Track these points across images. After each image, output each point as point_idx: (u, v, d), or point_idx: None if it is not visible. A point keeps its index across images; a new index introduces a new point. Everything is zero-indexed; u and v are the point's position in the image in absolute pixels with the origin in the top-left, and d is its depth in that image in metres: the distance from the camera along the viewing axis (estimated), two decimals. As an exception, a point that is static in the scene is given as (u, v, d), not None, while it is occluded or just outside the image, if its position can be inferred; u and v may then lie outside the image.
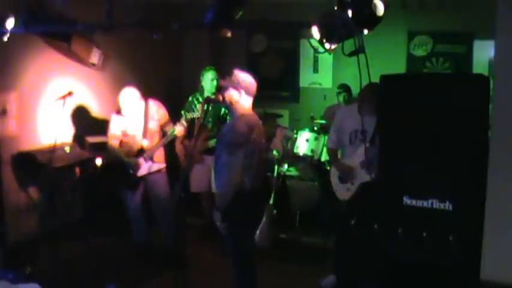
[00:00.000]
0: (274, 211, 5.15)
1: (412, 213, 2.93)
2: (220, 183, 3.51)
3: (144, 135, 4.73)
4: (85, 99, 5.62)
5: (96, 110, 5.77)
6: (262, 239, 4.71)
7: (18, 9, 3.65)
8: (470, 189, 2.81)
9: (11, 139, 4.80)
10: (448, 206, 2.84)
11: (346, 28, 2.68)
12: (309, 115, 6.27)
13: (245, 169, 3.39)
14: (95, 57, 4.85)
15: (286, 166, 5.76)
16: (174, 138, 4.93)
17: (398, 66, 6.43)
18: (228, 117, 5.03)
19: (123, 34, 4.79)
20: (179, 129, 4.71)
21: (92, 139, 5.26)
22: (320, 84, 7.12)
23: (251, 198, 3.48)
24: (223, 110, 5.05)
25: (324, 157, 5.39)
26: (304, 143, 5.57)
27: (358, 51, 2.64)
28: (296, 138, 5.63)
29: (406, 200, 2.95)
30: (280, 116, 6.28)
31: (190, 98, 5.27)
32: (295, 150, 5.61)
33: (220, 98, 3.55)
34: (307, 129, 5.70)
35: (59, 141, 4.64)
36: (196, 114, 4.85)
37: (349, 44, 2.75)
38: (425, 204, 2.89)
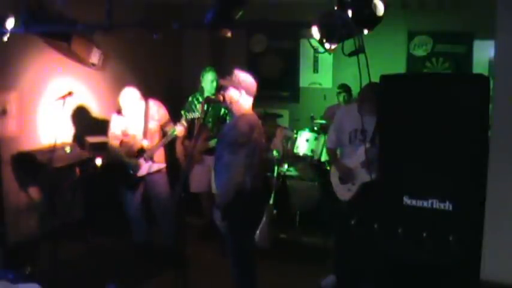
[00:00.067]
0: (274, 211, 5.15)
1: (412, 213, 2.93)
2: (221, 182, 3.51)
3: (145, 135, 4.73)
4: (85, 99, 5.62)
5: (96, 110, 5.77)
6: (262, 239, 4.71)
7: (18, 9, 3.65)
8: (470, 189, 2.81)
9: (11, 139, 4.80)
10: (448, 206, 2.84)
11: (346, 28, 2.68)
12: (309, 115, 6.27)
13: (246, 169, 3.40)
14: (95, 57, 4.86)
15: (286, 166, 5.76)
16: (175, 138, 4.93)
17: (398, 66, 6.43)
18: (228, 117, 5.03)
19: (123, 34, 4.79)
20: (179, 129, 4.71)
21: (92, 139, 5.26)
22: (320, 84, 7.12)
23: (251, 198, 3.48)
24: (223, 110, 5.05)
25: (324, 157, 5.40)
26: (304, 143, 5.57)
27: (358, 51, 2.64)
28: (296, 138, 5.63)
29: (406, 200, 2.95)
30: (280, 116, 6.28)
31: (190, 98, 5.27)
32: (295, 150, 5.61)
33: (221, 98, 3.56)
34: (307, 129, 5.71)
35: (59, 141, 4.64)
36: (197, 114, 4.85)
37: (349, 44, 2.74)
38: (425, 204, 2.89)
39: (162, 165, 4.84)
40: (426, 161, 2.92)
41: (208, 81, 5.12)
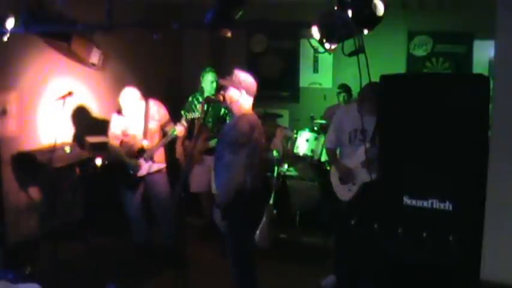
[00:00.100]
0: (274, 211, 5.15)
1: (412, 213, 2.93)
2: (221, 182, 3.51)
3: (145, 135, 4.72)
4: (85, 99, 5.62)
5: (96, 110, 5.77)
6: (262, 239, 4.71)
7: (18, 9, 3.65)
8: (470, 189, 2.81)
9: (11, 139, 4.80)
10: (448, 206, 2.84)
11: (346, 28, 2.68)
12: (309, 115, 6.28)
13: (247, 169, 3.40)
14: (95, 57, 4.85)
15: (286, 166, 5.76)
16: (175, 139, 4.93)
17: (398, 66, 6.43)
18: (227, 117, 5.03)
19: (123, 34, 4.79)
20: (179, 129, 4.71)
21: (92, 139, 5.26)
22: (320, 84, 7.13)
23: (251, 198, 3.48)
24: (223, 110, 5.05)
25: (324, 157, 5.39)
26: (304, 143, 5.57)
27: (358, 51, 2.64)
28: (296, 138, 5.63)
29: (406, 200, 2.95)
30: (280, 116, 6.28)
31: (190, 98, 5.27)
32: (295, 150, 5.61)
33: (221, 98, 3.56)
34: (307, 129, 5.71)
35: (59, 141, 4.64)
36: (197, 114, 4.85)
37: (349, 44, 2.74)
38: (425, 204, 2.89)
39: (162, 165, 4.84)
40: (426, 161, 2.92)
41: (208, 81, 5.12)
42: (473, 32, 6.16)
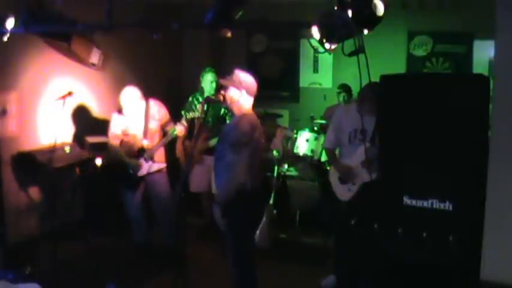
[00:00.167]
0: (274, 211, 5.14)
1: (412, 213, 2.93)
2: (221, 182, 3.50)
3: (145, 135, 4.73)
4: (85, 99, 5.62)
5: (96, 110, 5.77)
6: (262, 239, 4.71)
7: (18, 9, 3.65)
8: (470, 189, 2.81)
9: (11, 139, 4.80)
10: (448, 206, 2.84)
11: (346, 28, 2.68)
12: (309, 115, 6.28)
13: (248, 168, 3.40)
14: (95, 57, 4.86)
15: (286, 166, 5.77)
16: (175, 138, 4.93)
17: (398, 66, 6.42)
18: (227, 117, 5.04)
19: (123, 34, 4.79)
20: (180, 129, 4.71)
21: (91, 139, 5.26)
22: (320, 84, 7.12)
23: (251, 198, 3.48)
24: (223, 110, 5.05)
25: (324, 157, 5.39)
26: (304, 143, 5.58)
27: (358, 51, 2.64)
28: (296, 138, 5.63)
29: (406, 200, 2.95)
30: (280, 116, 6.28)
31: (190, 98, 5.28)
32: (295, 150, 5.61)
33: (221, 97, 3.56)
34: (307, 129, 5.71)
35: (59, 141, 4.64)
36: (197, 114, 4.85)
37: (349, 44, 2.74)
38: (425, 204, 2.90)
39: (163, 165, 4.84)
40: (426, 161, 2.92)
41: (207, 81, 5.13)
42: (473, 32, 6.16)
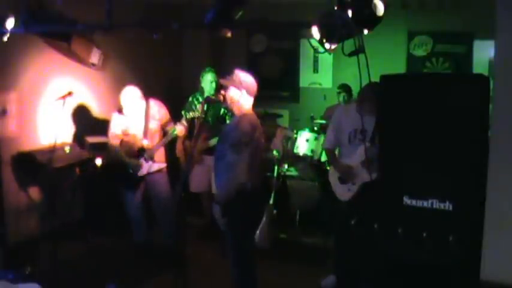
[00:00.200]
0: (274, 211, 5.14)
1: (412, 213, 2.93)
2: (221, 182, 3.50)
3: (145, 135, 4.73)
4: (85, 99, 5.62)
5: (96, 110, 5.77)
6: (262, 239, 4.71)
7: (18, 9, 3.65)
8: (470, 189, 2.81)
9: (11, 139, 4.80)
10: (448, 206, 2.84)
11: (346, 28, 2.68)
12: (309, 115, 6.28)
13: (249, 168, 3.40)
14: (95, 57, 4.86)
15: (286, 166, 5.77)
16: (175, 138, 4.93)
17: (398, 66, 6.42)
18: (227, 117, 5.04)
19: (123, 34, 4.79)
20: (180, 129, 4.71)
21: (91, 139, 5.26)
22: (320, 84, 7.12)
23: (251, 198, 3.48)
24: (222, 110, 5.05)
25: (324, 157, 5.39)
26: (304, 143, 5.57)
27: (358, 51, 2.64)
28: (296, 138, 5.63)
29: (406, 200, 2.95)
30: (280, 116, 6.28)
31: (190, 98, 5.28)
32: (295, 150, 5.61)
33: (221, 97, 3.56)
34: (307, 129, 5.71)
35: (59, 141, 4.64)
36: (197, 114, 4.85)
37: (349, 44, 2.74)
38: (425, 204, 2.90)
39: (163, 165, 4.84)
40: (426, 161, 2.92)
41: (207, 81, 5.13)
42: (473, 32, 6.16)
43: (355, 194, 3.99)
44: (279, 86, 7.24)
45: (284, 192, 5.66)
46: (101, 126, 5.12)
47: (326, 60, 6.96)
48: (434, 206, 2.87)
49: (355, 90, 5.60)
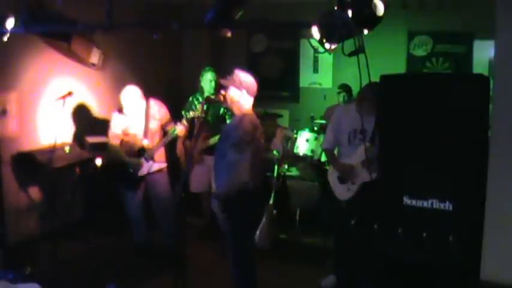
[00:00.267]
0: (274, 211, 5.14)
1: (412, 213, 2.93)
2: (222, 181, 3.49)
3: (145, 134, 4.72)
4: (85, 99, 5.63)
5: (96, 110, 5.77)
6: (262, 239, 4.71)
7: (18, 9, 3.65)
8: (470, 189, 2.81)
9: (11, 139, 4.80)
10: (448, 206, 2.84)
11: (346, 28, 2.68)
12: (309, 115, 6.28)
13: (251, 168, 3.40)
14: (95, 57, 4.86)
15: (286, 166, 5.77)
16: (175, 138, 4.93)
17: (398, 66, 6.42)
18: (227, 117, 5.04)
19: (123, 34, 4.79)
20: (180, 129, 4.71)
21: (92, 139, 5.26)
22: (320, 84, 7.12)
23: (252, 197, 3.48)
24: (222, 109, 5.06)
25: (324, 157, 5.39)
26: (304, 143, 5.57)
27: (358, 51, 2.64)
28: (296, 138, 5.63)
29: (406, 200, 2.95)
30: (280, 116, 6.28)
31: (190, 98, 5.28)
32: (295, 150, 5.61)
33: (221, 97, 3.56)
34: (307, 129, 5.71)
35: (59, 141, 4.64)
36: (197, 113, 4.85)
37: (349, 44, 2.74)
38: (425, 204, 2.89)
39: (163, 165, 4.84)
40: (426, 161, 2.92)
41: (207, 80, 5.13)
42: (473, 32, 6.16)
43: (355, 194, 3.99)
44: (279, 86, 7.23)
45: (284, 192, 5.66)
46: (101, 126, 5.12)
47: (326, 60, 6.96)
48: (434, 206, 2.87)
49: (355, 90, 5.60)
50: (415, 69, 6.44)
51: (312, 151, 5.53)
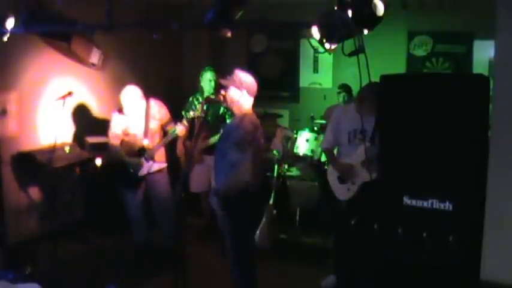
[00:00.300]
0: (274, 211, 5.15)
1: (412, 213, 2.93)
2: (223, 180, 3.48)
3: (145, 134, 4.72)
4: (85, 99, 5.63)
5: (96, 110, 5.77)
6: (262, 239, 4.71)
7: (18, 9, 3.65)
8: (470, 189, 2.81)
9: (11, 139, 4.80)
10: (448, 206, 2.84)
11: (346, 28, 2.68)
12: (309, 115, 6.28)
13: (252, 168, 3.40)
14: (94, 57, 4.85)
15: (286, 166, 5.77)
16: (176, 138, 4.93)
17: (398, 66, 6.42)
18: (227, 117, 5.04)
19: (123, 34, 4.79)
20: (180, 129, 4.71)
21: (91, 139, 5.26)
22: (320, 84, 7.12)
23: (252, 197, 3.48)
24: (222, 109, 5.06)
25: (324, 157, 5.39)
26: (304, 143, 5.58)
27: (358, 51, 2.64)
28: (296, 138, 5.64)
29: (406, 200, 2.95)
30: (280, 116, 6.28)
31: (190, 98, 5.28)
32: (295, 150, 5.62)
33: (221, 97, 3.56)
34: (307, 129, 5.71)
35: (59, 141, 4.64)
36: (197, 113, 4.85)
37: (349, 44, 2.74)
38: (425, 204, 2.90)
39: (163, 165, 4.85)
40: (426, 161, 2.92)
41: (206, 80, 5.13)
42: (473, 32, 6.16)
43: (355, 194, 3.99)
44: (279, 86, 7.23)
45: (284, 192, 5.66)
46: (101, 126, 5.12)
47: (326, 60, 6.96)
48: (434, 206, 2.87)
49: (355, 90, 5.60)
50: (415, 69, 6.44)
51: (312, 151, 5.54)
